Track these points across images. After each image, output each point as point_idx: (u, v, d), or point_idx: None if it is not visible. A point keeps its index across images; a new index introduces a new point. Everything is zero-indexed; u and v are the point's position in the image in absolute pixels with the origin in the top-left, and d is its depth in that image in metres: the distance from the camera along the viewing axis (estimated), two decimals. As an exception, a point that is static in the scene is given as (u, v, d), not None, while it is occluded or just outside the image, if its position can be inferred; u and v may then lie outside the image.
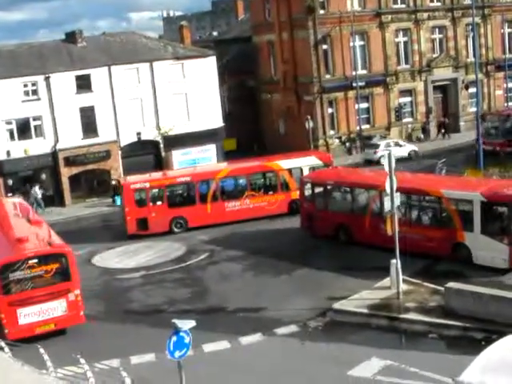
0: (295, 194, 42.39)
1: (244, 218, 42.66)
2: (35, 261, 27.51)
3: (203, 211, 42.84)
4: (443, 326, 24.82)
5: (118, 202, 47.65)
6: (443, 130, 63.26)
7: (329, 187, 38.30)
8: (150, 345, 25.19)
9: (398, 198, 27.62)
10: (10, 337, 26.33)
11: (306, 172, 42.65)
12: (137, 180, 43.90)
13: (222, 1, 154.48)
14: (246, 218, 42.57)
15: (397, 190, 27.36)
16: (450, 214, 32.01)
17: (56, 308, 27.60)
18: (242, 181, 44.12)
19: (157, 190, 43.15)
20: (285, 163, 44.24)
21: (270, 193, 44.05)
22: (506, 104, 66.77)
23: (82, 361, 24.72)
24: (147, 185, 42.89)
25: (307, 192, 38.93)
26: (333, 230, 36.64)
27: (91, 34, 67.06)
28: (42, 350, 25.71)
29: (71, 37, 58.33)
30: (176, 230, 42.80)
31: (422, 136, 63.39)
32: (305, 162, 43.78)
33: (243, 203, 43.47)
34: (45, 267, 27.59)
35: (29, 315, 27.22)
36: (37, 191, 51.65)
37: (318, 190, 38.51)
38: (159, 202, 42.94)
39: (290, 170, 43.95)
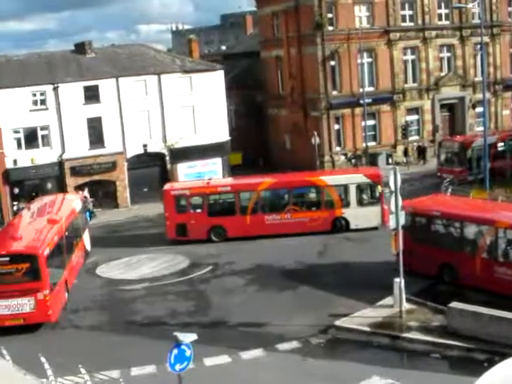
0: (339, 212, 42.11)
1: (284, 232, 41.81)
2: (7, 259, 29.71)
3: (242, 222, 42.44)
4: (445, 345, 24.72)
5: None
6: (422, 155, 62.26)
7: (433, 218, 32.60)
8: (150, 357, 25.15)
9: (403, 216, 27.61)
10: None
11: (352, 190, 42.19)
12: (178, 186, 44.74)
13: (231, 15, 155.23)
14: (286, 233, 41.72)
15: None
16: None
17: (25, 304, 29.41)
18: (283, 194, 43.51)
19: (197, 197, 43.20)
20: (330, 179, 43.11)
21: (313, 209, 42.89)
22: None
23: (83, 370, 24.82)
24: (187, 192, 43.10)
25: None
26: (435, 268, 31.50)
27: (100, 45, 67.48)
28: (43, 359, 25.82)
29: (80, 47, 58.60)
30: (214, 238, 42.71)
31: (405, 160, 61.19)
32: (352, 180, 42.61)
33: (284, 217, 42.52)
34: (16, 265, 29.65)
35: (0, 308, 29.26)
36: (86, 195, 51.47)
37: (419, 220, 33.03)
38: (199, 210, 43.09)
39: (335, 187, 42.64)
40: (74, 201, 41.90)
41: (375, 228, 41.41)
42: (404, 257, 29.97)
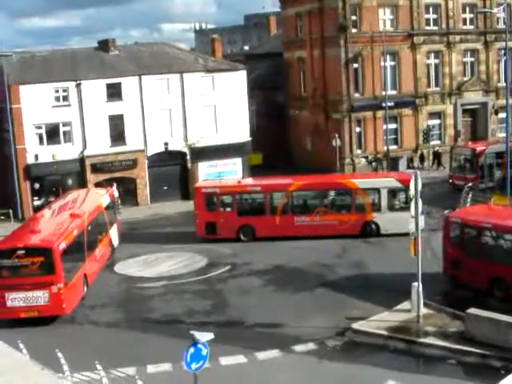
0: (370, 216, 41.55)
1: (313, 234, 41.43)
2: (23, 252, 30.37)
3: (272, 222, 42.27)
4: (462, 352, 24.61)
5: None
6: (437, 161, 61.72)
7: (482, 230, 31.06)
8: (167, 355, 25.25)
9: (422, 220, 27.51)
10: None
11: (383, 194, 41.38)
12: (208, 184, 44.64)
13: (254, 16, 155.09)
14: (315, 235, 41.27)
15: None
16: None
17: (39, 297, 30.03)
18: (313, 196, 42.96)
19: (227, 196, 43.22)
20: (361, 182, 42.43)
21: (344, 211, 42.26)
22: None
23: (99, 367, 24.92)
24: (218, 190, 43.19)
25: (453, 233, 32.34)
26: (486, 283, 30.00)
27: (124, 43, 67.58)
28: (59, 354, 25.94)
29: (104, 45, 58.80)
30: (243, 237, 42.74)
31: (420, 165, 61.04)
32: (383, 184, 41.77)
33: (313, 219, 42.03)
34: (31, 259, 30.29)
35: (15, 299, 29.96)
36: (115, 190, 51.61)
37: (467, 231, 31.90)
38: (229, 209, 43.15)
39: (366, 190, 41.94)
40: (101, 196, 42.32)
41: (406, 234, 40.48)
42: (451, 269, 30.01)
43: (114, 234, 42.15)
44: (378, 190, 41.61)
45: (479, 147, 53.33)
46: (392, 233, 40.34)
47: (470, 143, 58.15)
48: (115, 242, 42.29)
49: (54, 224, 34.89)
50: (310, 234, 41.48)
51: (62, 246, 31.12)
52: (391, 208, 41.63)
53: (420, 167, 59.46)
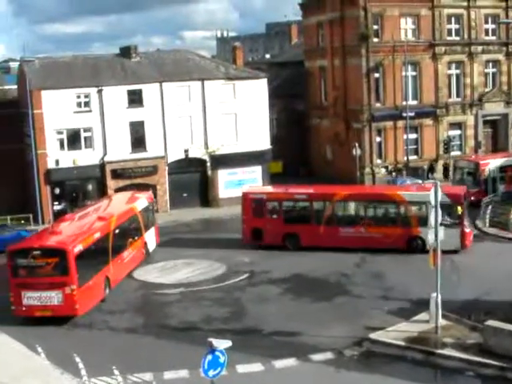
0: (416, 231, 39.51)
1: (358, 246, 40.20)
2: (39, 252, 31.22)
3: (316, 232, 41.44)
4: (480, 364, 24.45)
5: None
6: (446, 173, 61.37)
7: None
8: (184, 361, 25.29)
9: (442, 231, 27.43)
10: (15, 313, 31.08)
11: (431, 209, 38.68)
12: (256, 190, 44.71)
13: (276, 24, 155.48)
14: (360, 247, 40.15)
15: None
16: None
17: (53, 297, 30.76)
18: (358, 207, 41.69)
19: (273, 202, 43.09)
20: (408, 195, 40.58)
21: (389, 225, 40.56)
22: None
23: (116, 372, 25.00)
24: (264, 196, 43.18)
25: None
26: None
27: (145, 49, 67.88)
28: (77, 359, 26.06)
29: (126, 51, 59.06)
30: (289, 245, 42.13)
31: (431, 175, 60.42)
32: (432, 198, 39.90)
33: (358, 231, 40.84)
34: (46, 259, 31.08)
35: (31, 298, 30.80)
36: None
37: None
38: (275, 216, 42.93)
39: (412, 203, 40.18)
40: (137, 200, 42.72)
41: (454, 251, 38.24)
42: None
43: (149, 237, 42.42)
44: (424, 204, 38.02)
45: (483, 160, 52.95)
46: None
47: (473, 156, 57.91)
48: (151, 245, 42.61)
49: (77, 226, 35.53)
50: (355, 246, 40.22)
51: (78, 248, 31.62)
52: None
53: (431, 178, 59.00)
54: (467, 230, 39.53)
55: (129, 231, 39.25)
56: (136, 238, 40.07)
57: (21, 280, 30.98)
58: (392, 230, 40.19)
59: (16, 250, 32.03)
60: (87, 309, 31.82)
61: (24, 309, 30.94)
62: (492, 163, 51.72)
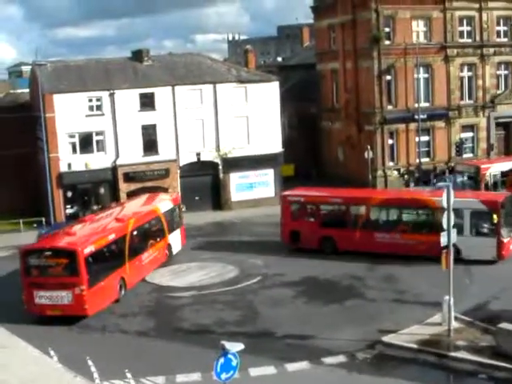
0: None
1: (393, 252, 39.05)
2: (50, 253, 32.07)
3: (352, 236, 40.88)
4: (493, 366, 24.35)
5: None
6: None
7: None
8: (196, 364, 25.28)
9: (454, 234, 27.34)
10: (27, 310, 31.77)
11: (466, 216, 37.26)
12: (294, 193, 44.42)
13: (287, 27, 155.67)
14: (395, 253, 38.94)
15: None
16: None
17: (63, 297, 31.28)
18: (394, 212, 40.68)
19: (311, 205, 43.00)
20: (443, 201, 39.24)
21: (423, 231, 38.85)
22: None
23: (128, 375, 25.02)
24: (302, 199, 43.15)
25: None
26: None
27: (157, 53, 68.02)
28: (90, 362, 26.09)
29: (137, 55, 59.23)
30: (326, 249, 41.52)
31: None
32: (466, 204, 37.27)
33: (393, 236, 39.79)
34: (57, 260, 31.78)
35: (42, 297, 31.43)
36: None
37: None
38: (312, 219, 42.77)
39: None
40: (161, 201, 42.94)
41: (491, 262, 37.22)
42: None
43: (174, 239, 42.49)
44: (460, 211, 35.85)
45: (483, 165, 52.43)
46: (474, 259, 36.86)
47: (474, 160, 57.51)
48: (175, 247, 42.72)
49: (92, 228, 35.76)
50: (390, 252, 39.23)
51: (90, 249, 31.94)
52: (474, 232, 37.87)
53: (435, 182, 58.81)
54: (505, 239, 37.72)
55: (150, 233, 39.49)
56: (158, 239, 40.22)
57: (33, 279, 31.64)
58: (426, 236, 38.04)
59: (29, 250, 32.84)
60: (98, 309, 32.14)
61: (36, 307, 31.59)
62: (494, 167, 51.33)
